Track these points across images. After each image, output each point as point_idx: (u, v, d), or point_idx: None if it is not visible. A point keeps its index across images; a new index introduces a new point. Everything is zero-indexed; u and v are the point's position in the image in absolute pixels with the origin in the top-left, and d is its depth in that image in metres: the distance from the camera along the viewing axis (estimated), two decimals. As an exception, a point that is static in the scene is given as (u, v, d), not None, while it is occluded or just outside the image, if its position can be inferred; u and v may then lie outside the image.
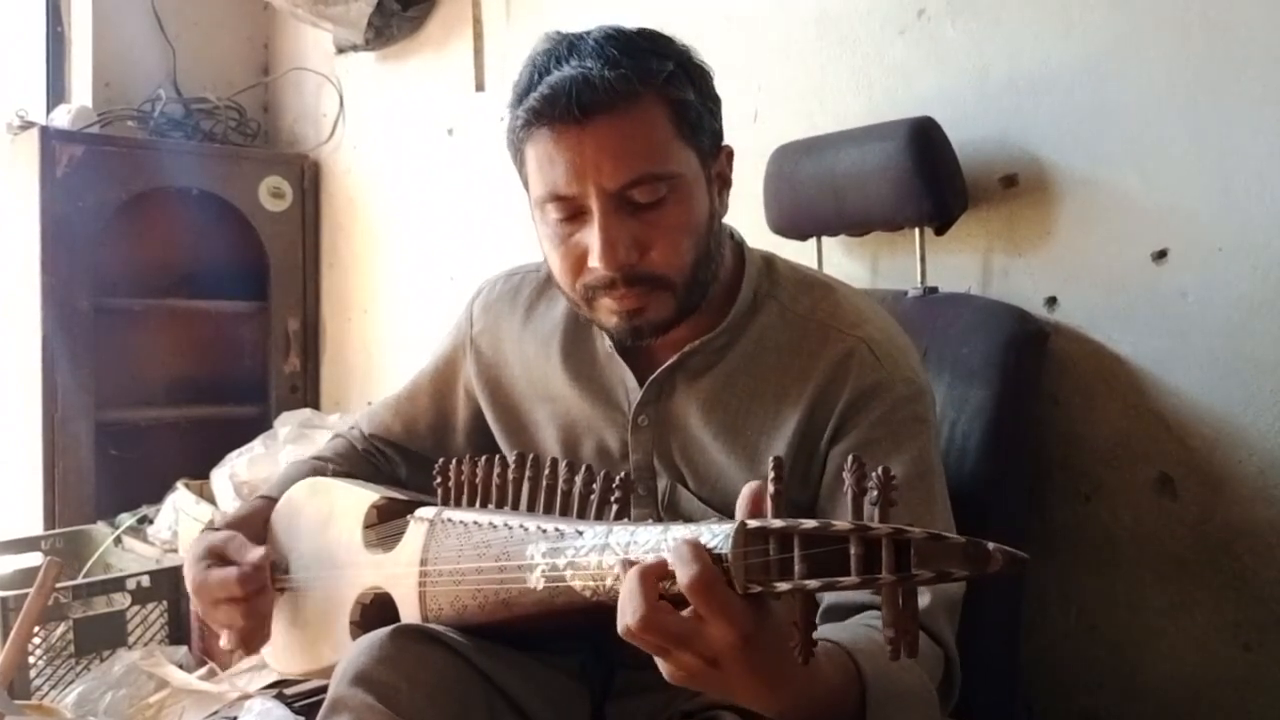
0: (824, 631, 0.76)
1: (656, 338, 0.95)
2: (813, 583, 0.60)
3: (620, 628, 0.67)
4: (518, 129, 0.92)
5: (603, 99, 0.86)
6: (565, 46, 0.90)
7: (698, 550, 0.64)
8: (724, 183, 0.98)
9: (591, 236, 0.89)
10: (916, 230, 1.36)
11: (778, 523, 0.63)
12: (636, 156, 0.88)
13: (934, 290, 1.36)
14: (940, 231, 1.35)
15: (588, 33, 0.91)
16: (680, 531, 0.70)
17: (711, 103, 0.95)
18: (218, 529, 1.10)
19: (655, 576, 0.66)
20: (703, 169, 0.94)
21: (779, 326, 0.99)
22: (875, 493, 0.59)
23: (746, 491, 0.68)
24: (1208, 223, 1.18)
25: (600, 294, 0.92)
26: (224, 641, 1.05)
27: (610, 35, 0.90)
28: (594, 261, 0.89)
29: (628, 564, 0.70)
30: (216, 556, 1.04)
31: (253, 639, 1.05)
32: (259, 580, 1.03)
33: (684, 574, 0.64)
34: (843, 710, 0.74)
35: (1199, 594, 1.19)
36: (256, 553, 1.02)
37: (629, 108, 0.87)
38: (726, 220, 1.02)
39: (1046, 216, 1.31)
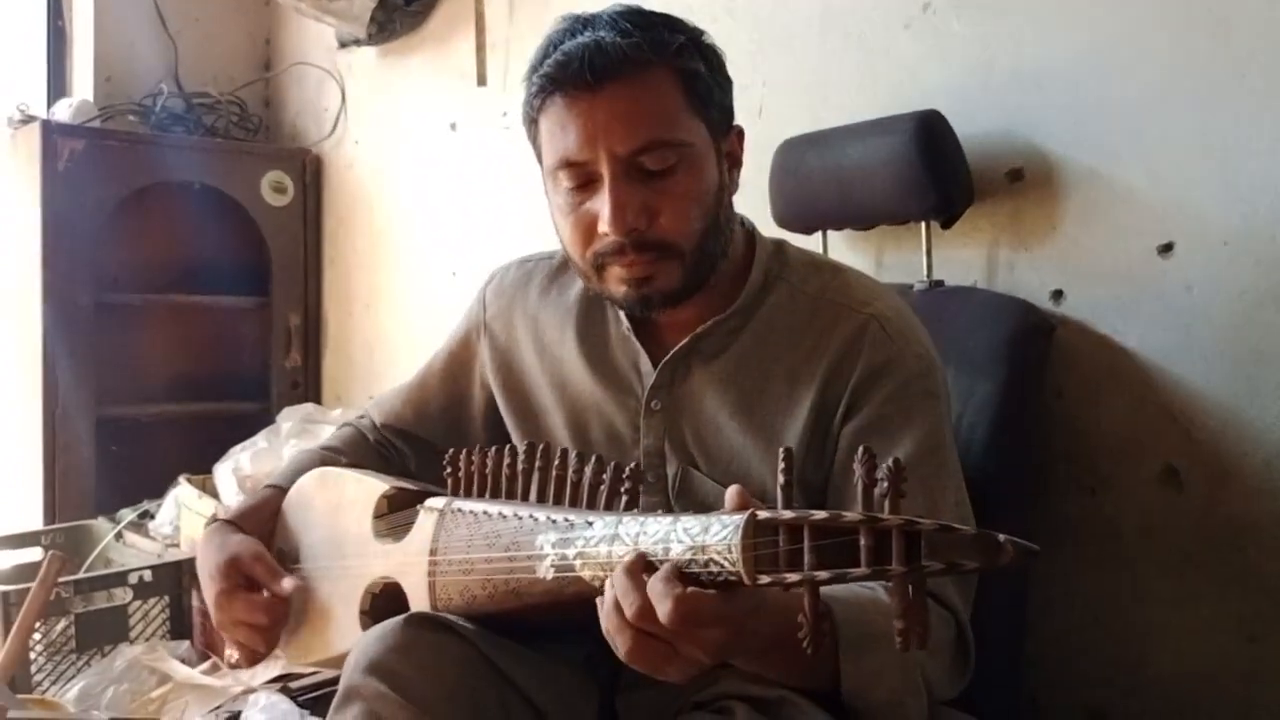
0: None
1: (665, 308, 0.96)
2: (822, 574, 0.61)
3: (620, 653, 0.71)
4: (532, 99, 0.94)
5: (615, 65, 0.88)
6: (580, 22, 0.92)
7: (669, 583, 0.67)
8: (734, 161, 1.00)
9: (601, 202, 0.90)
10: (922, 224, 1.36)
11: (788, 514, 0.64)
12: (647, 122, 0.90)
13: (940, 284, 1.36)
14: (946, 225, 1.35)
15: (603, 11, 0.93)
16: (690, 523, 0.70)
17: (723, 79, 0.97)
18: (230, 520, 1.10)
19: (644, 617, 0.68)
20: (712, 142, 0.95)
21: (790, 307, 1.00)
22: (885, 484, 0.59)
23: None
24: (1213, 216, 1.18)
25: (610, 261, 0.93)
26: (230, 654, 1.05)
27: (624, 10, 0.93)
28: (604, 227, 0.91)
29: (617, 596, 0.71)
30: (243, 575, 1.04)
31: (261, 659, 1.07)
32: (285, 610, 1.04)
33: (662, 612, 0.67)
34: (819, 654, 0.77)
35: (1204, 586, 1.20)
36: (287, 584, 1.03)
37: (641, 75, 0.89)
38: (737, 209, 1.02)
39: (1052, 210, 1.31)
